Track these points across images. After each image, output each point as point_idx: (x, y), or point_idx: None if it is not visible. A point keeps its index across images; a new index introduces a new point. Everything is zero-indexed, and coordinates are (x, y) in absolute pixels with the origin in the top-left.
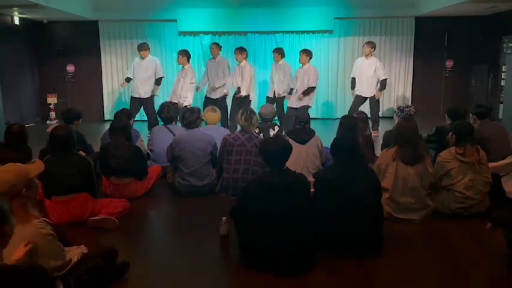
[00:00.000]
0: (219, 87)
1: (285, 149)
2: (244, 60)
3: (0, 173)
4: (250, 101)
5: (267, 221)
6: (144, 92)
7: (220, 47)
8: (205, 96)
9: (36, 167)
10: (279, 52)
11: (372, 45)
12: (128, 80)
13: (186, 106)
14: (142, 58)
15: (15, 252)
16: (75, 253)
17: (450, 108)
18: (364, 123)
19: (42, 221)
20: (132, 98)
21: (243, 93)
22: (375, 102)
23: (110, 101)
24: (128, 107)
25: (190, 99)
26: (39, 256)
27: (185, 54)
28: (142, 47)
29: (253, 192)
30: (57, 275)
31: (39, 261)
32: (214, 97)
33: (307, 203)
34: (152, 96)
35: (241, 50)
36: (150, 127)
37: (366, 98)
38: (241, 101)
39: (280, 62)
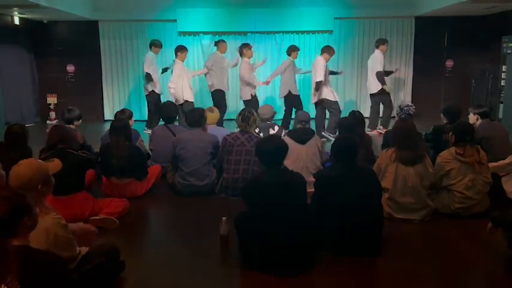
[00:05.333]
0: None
1: (280, 148)
2: None
3: (20, 167)
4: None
5: (266, 221)
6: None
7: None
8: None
9: (54, 165)
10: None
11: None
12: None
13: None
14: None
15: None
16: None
17: (446, 107)
18: (361, 123)
19: (58, 213)
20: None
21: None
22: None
23: (110, 101)
24: (127, 108)
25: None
26: (55, 247)
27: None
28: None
29: (251, 192)
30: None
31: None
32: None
33: (305, 202)
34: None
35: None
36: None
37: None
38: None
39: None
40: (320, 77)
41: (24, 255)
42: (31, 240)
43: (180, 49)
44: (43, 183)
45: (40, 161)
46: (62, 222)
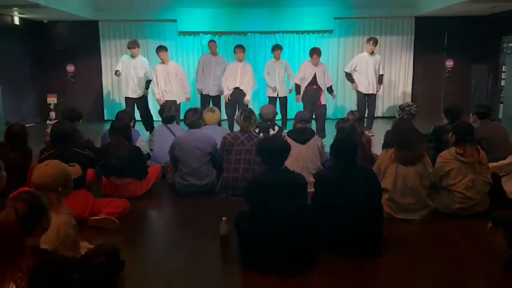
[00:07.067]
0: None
1: (283, 148)
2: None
3: (47, 167)
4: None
5: (266, 221)
6: (136, 92)
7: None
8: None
9: (75, 170)
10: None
11: (376, 42)
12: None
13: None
14: (133, 57)
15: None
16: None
17: (447, 107)
18: (360, 123)
19: (71, 214)
20: (126, 98)
21: (249, 96)
22: (374, 99)
23: (110, 101)
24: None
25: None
26: (63, 245)
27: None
28: (136, 44)
29: (251, 192)
30: None
31: (60, 251)
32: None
33: (305, 202)
34: (144, 96)
35: (243, 48)
36: (147, 127)
37: (366, 95)
38: (239, 101)
39: (281, 59)
40: (297, 80)
41: (35, 254)
42: (42, 237)
43: (162, 50)
44: (63, 186)
45: (65, 164)
46: (73, 222)
